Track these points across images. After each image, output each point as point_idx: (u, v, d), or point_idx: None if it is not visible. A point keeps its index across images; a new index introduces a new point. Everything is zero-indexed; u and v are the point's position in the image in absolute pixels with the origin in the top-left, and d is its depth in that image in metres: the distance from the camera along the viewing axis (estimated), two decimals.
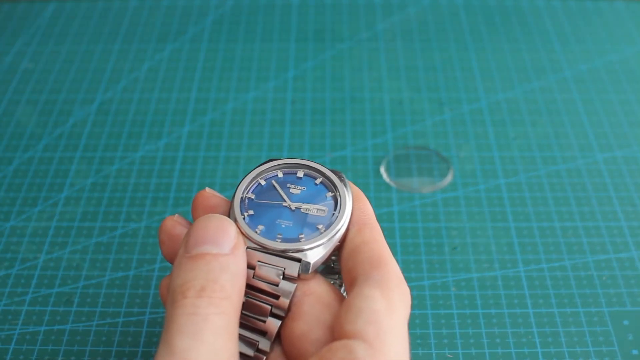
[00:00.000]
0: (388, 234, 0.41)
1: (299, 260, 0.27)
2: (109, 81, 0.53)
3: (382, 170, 0.45)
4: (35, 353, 0.35)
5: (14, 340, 0.36)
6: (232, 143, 0.47)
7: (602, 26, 0.58)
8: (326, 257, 0.27)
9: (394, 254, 0.40)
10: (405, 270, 0.39)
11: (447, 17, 0.59)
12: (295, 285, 0.27)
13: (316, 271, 0.27)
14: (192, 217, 0.29)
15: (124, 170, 0.46)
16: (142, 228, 0.42)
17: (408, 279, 0.39)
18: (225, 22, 0.59)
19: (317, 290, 0.27)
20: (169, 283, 0.25)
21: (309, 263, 0.26)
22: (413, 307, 0.37)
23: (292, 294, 0.26)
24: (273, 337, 0.27)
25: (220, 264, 0.25)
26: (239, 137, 0.48)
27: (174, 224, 0.29)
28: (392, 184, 0.44)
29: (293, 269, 0.26)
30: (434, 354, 0.35)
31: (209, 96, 0.51)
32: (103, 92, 0.52)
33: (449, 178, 0.45)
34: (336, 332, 0.25)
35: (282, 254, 0.27)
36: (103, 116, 0.50)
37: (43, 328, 0.36)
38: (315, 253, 0.27)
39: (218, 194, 0.29)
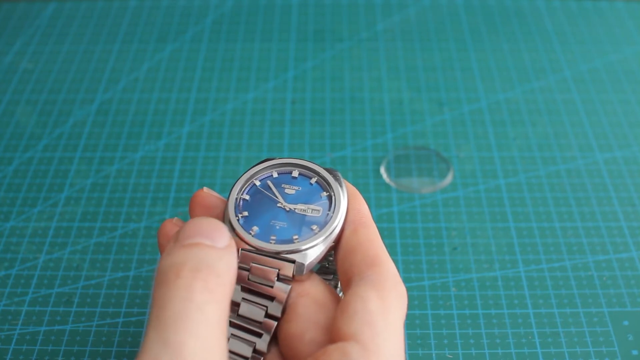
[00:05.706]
0: (388, 234, 0.41)
1: (293, 261, 0.26)
2: (108, 81, 0.53)
3: (382, 170, 0.45)
4: (35, 353, 0.35)
5: (14, 340, 0.36)
6: (232, 143, 0.47)
7: (602, 26, 0.58)
8: (321, 257, 0.27)
9: (395, 254, 0.40)
10: (405, 270, 0.39)
11: (447, 17, 0.59)
12: (290, 286, 0.26)
13: (311, 272, 0.27)
14: (189, 217, 0.29)
15: (123, 170, 0.46)
16: (142, 228, 0.42)
17: (408, 280, 0.39)
18: (225, 22, 0.59)
19: (312, 291, 0.27)
20: (158, 266, 0.24)
21: (302, 264, 0.26)
22: (413, 307, 0.37)
23: (287, 295, 0.26)
24: (269, 338, 0.27)
25: (216, 253, 0.24)
26: (238, 138, 0.48)
27: (173, 227, 0.28)
28: (392, 184, 0.44)
29: (287, 270, 0.26)
30: (434, 355, 0.35)
31: (209, 96, 0.51)
32: (103, 92, 0.52)
33: (449, 178, 0.44)
34: (332, 333, 0.24)
35: (276, 256, 0.27)
36: (103, 116, 0.50)
37: (43, 328, 0.36)
38: (310, 254, 0.27)
39: (216, 194, 0.29)
